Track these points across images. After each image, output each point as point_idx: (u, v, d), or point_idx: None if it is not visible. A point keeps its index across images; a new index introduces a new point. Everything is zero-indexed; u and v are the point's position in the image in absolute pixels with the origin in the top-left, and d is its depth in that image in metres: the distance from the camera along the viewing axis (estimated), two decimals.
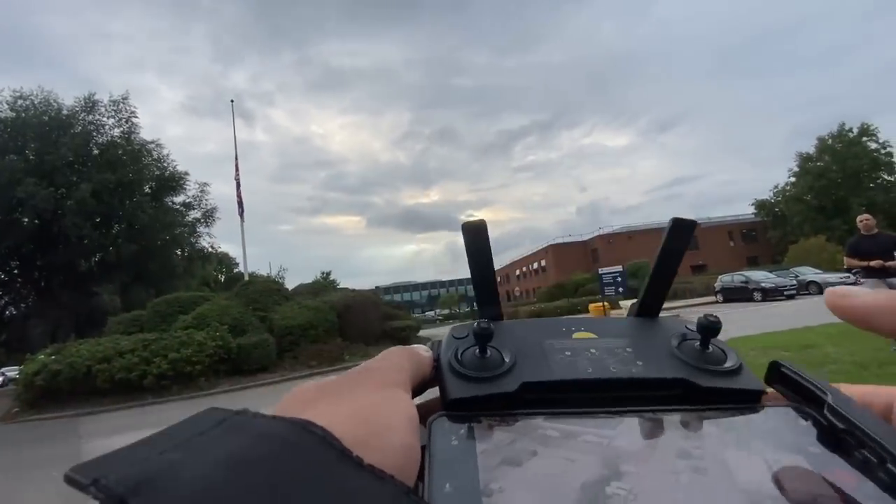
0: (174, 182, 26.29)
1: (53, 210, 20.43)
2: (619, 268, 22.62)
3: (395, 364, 0.25)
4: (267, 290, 17.88)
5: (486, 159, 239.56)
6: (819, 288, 20.15)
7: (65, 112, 23.69)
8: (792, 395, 0.25)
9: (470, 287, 0.35)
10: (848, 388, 0.24)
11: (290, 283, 24.22)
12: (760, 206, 46.01)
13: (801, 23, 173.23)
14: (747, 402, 0.26)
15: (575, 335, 0.31)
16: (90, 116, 24.23)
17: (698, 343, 0.28)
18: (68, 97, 26.12)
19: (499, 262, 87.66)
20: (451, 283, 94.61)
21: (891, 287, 4.36)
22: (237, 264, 44.83)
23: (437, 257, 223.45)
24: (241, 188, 21.75)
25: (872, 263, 4.72)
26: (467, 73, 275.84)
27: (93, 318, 23.53)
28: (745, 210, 48.25)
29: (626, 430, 0.24)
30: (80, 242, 21.29)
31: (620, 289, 21.32)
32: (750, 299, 20.72)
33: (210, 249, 29.39)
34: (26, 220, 21.23)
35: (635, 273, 29.82)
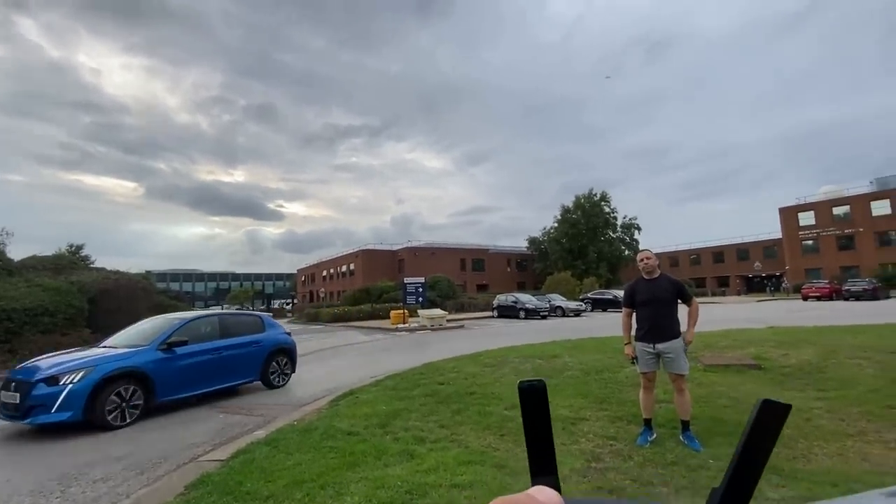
0: None
1: None
2: (421, 279, 24.54)
3: None
4: None
5: (306, 150, 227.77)
6: (563, 311, 25.87)
7: None
8: None
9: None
10: None
11: (18, 253, 18.01)
12: (532, 241, 56.44)
13: (583, 101, 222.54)
14: None
15: None
16: None
17: None
18: None
19: (306, 260, 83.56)
20: (247, 276, 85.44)
21: (659, 354, 4.12)
22: None
23: (232, 245, 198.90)
24: None
25: (626, 352, 4.31)
26: (300, 52, 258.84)
27: None
28: (521, 243, 58.45)
29: None
30: None
31: (420, 299, 23.11)
32: (517, 316, 25.13)
33: None
34: None
35: (433, 286, 32.80)
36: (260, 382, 7.97)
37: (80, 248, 28.22)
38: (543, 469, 0.31)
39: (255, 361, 7.83)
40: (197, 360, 6.93)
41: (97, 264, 23.51)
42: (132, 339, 6.91)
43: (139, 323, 7.66)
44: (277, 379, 8.14)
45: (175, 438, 5.32)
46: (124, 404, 5.91)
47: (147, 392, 6.19)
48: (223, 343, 7.42)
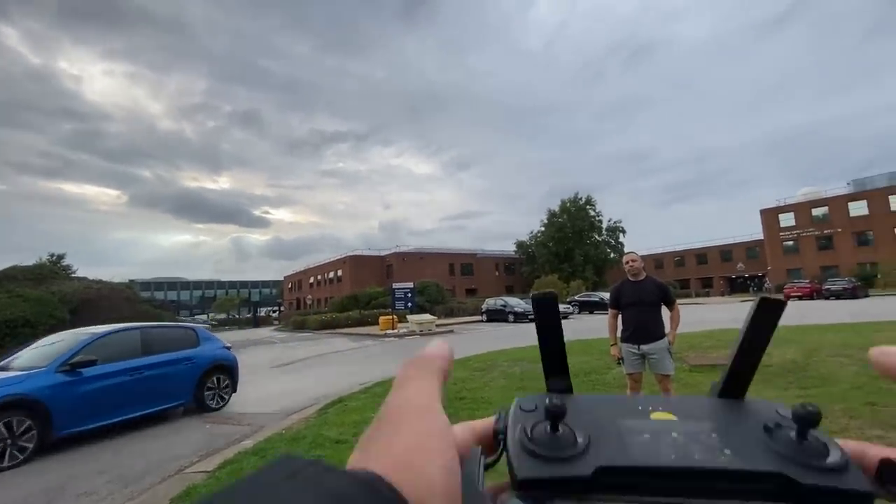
0: None
1: None
2: (409, 284, 24.49)
3: (421, 389, 0.25)
4: None
5: (292, 156, 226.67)
6: None
7: None
8: None
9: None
10: None
11: None
12: (520, 245, 56.75)
13: (567, 106, 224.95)
14: None
15: (653, 415, 0.29)
16: None
17: (794, 433, 0.25)
18: None
19: (293, 267, 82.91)
20: (233, 284, 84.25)
21: (645, 355, 4.17)
22: None
23: (218, 253, 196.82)
24: None
25: (612, 353, 4.41)
26: (284, 59, 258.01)
27: None
28: (509, 247, 58.74)
29: None
30: None
31: (409, 304, 23.06)
32: (506, 320, 25.18)
33: None
34: None
35: (422, 291, 32.76)
36: (195, 406, 7.09)
37: (61, 257, 27.60)
38: (556, 370, 0.33)
39: (186, 381, 6.87)
40: (110, 382, 5.89)
41: (79, 274, 23.03)
42: (29, 359, 5.91)
43: (41, 340, 6.69)
44: (214, 400, 7.23)
45: (160, 450, 5.22)
46: (10, 440, 4.92)
47: (42, 424, 5.16)
48: (145, 361, 6.41)
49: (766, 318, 0.31)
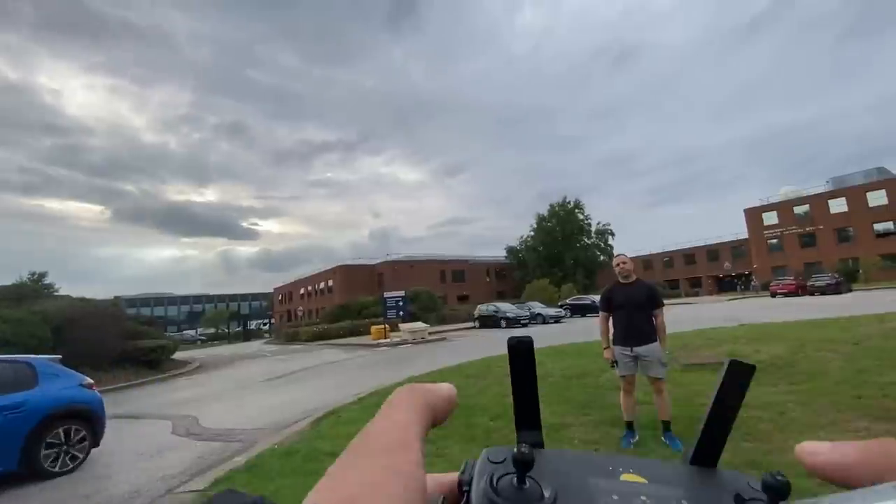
0: None
1: None
2: (401, 293, 24.39)
3: (401, 421, 0.24)
4: None
5: (280, 166, 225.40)
6: (543, 319, 26.07)
7: None
8: None
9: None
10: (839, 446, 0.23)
11: None
12: (510, 251, 56.96)
13: (553, 110, 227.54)
14: None
15: (622, 476, 0.27)
16: None
17: None
18: None
19: (283, 279, 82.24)
20: (221, 298, 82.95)
21: (637, 357, 4.13)
22: None
23: (205, 267, 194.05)
24: None
25: (605, 356, 4.34)
26: (270, 70, 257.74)
27: None
28: (500, 253, 58.89)
29: None
30: None
31: (401, 312, 22.95)
32: (498, 325, 25.18)
33: None
34: None
35: (414, 299, 32.64)
36: (29, 471, 5.06)
37: (42, 275, 27.01)
38: (528, 423, 0.31)
39: (9, 438, 4.87)
40: None
41: (62, 292, 22.54)
42: None
43: None
44: (60, 460, 5.23)
45: (148, 470, 5.09)
46: None
47: None
48: None
49: (735, 382, 0.30)
